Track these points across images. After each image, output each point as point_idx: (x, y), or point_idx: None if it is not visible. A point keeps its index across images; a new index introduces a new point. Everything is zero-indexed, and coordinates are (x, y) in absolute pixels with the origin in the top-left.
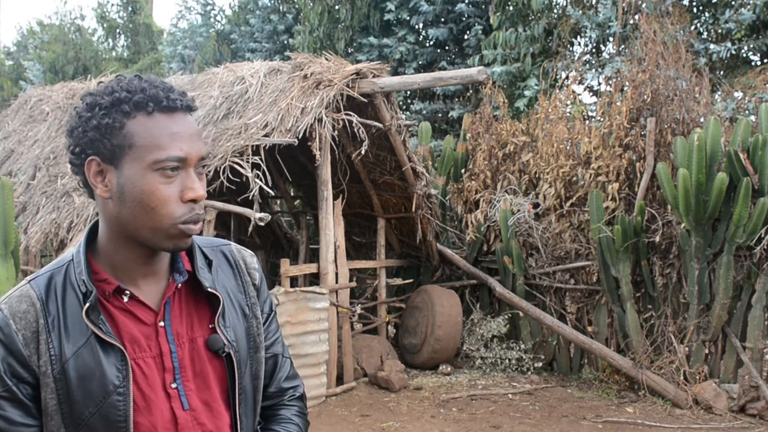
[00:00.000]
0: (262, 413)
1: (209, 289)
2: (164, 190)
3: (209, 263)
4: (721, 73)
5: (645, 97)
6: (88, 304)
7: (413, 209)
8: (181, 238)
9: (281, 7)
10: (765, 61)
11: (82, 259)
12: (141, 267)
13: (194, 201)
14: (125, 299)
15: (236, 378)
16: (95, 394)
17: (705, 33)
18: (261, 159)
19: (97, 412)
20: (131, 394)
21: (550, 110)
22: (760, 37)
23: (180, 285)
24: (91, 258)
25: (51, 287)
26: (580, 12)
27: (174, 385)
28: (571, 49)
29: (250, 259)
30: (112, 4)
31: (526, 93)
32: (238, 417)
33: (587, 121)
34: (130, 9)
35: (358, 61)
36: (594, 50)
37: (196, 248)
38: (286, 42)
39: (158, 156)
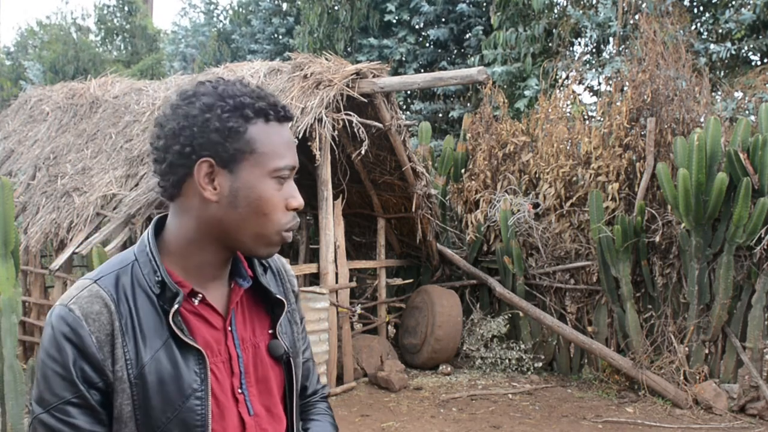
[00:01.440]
0: (300, 409)
1: (278, 297)
2: (277, 196)
3: (265, 269)
4: (721, 73)
5: (645, 97)
6: (176, 306)
7: (413, 209)
8: (277, 245)
9: (282, 7)
10: (765, 61)
11: (156, 260)
12: (214, 270)
13: (296, 209)
14: (196, 302)
15: (294, 383)
16: (174, 398)
17: (705, 33)
18: None
19: (175, 417)
20: (209, 398)
21: (550, 110)
22: (760, 37)
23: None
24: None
25: (119, 288)
26: (581, 12)
27: (240, 390)
28: (571, 49)
29: (288, 266)
30: (109, 6)
31: (527, 93)
32: (294, 420)
33: (587, 121)
34: (126, 10)
35: (358, 62)
36: (594, 50)
37: None
38: (287, 44)
39: (278, 164)
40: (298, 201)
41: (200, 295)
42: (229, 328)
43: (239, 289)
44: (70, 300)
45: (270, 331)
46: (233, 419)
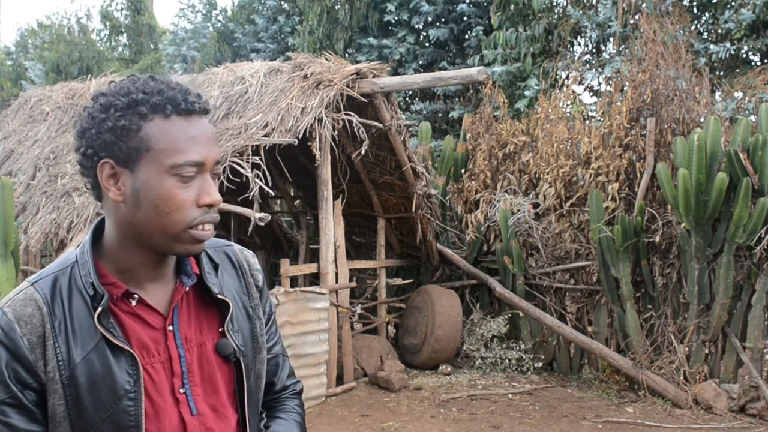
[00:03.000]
0: (266, 405)
1: (219, 296)
2: (181, 194)
3: (215, 267)
4: (721, 73)
5: (645, 97)
6: (100, 309)
7: (413, 209)
8: (194, 243)
9: (286, 6)
10: (765, 61)
11: (89, 262)
12: (149, 271)
13: (209, 206)
14: (133, 303)
15: (244, 381)
16: (105, 399)
17: (705, 33)
18: (261, 159)
19: (107, 417)
20: (143, 399)
21: (550, 110)
22: (760, 37)
23: (188, 289)
24: (97, 260)
25: (56, 290)
26: (581, 12)
27: (182, 390)
28: (571, 49)
29: (252, 260)
30: (117, 4)
31: (527, 93)
32: (246, 419)
33: (587, 121)
34: (133, 8)
35: (358, 62)
36: (594, 50)
37: (202, 252)
38: (290, 43)
39: (176, 160)
40: (212, 197)
41: (136, 296)
42: (170, 328)
43: (182, 288)
44: (5, 303)
45: (220, 330)
46: (172, 419)
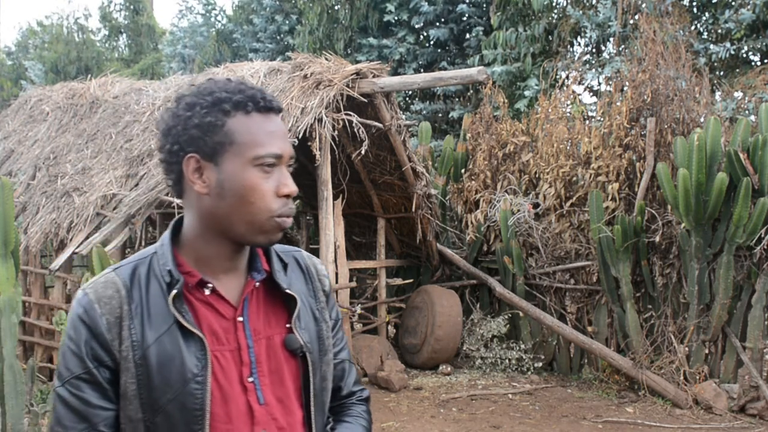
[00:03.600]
0: (333, 410)
1: (287, 291)
2: (263, 184)
3: (284, 266)
4: (721, 73)
5: (645, 97)
6: (175, 291)
7: (413, 209)
8: (274, 232)
9: (284, 7)
10: (765, 61)
11: (167, 251)
12: (225, 262)
13: (288, 196)
14: (207, 292)
15: (311, 378)
16: (174, 381)
17: (705, 33)
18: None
19: (174, 399)
20: (209, 383)
21: (550, 110)
22: (760, 37)
23: (258, 283)
24: (175, 251)
25: (135, 276)
26: (580, 12)
27: (251, 379)
28: (571, 49)
29: (320, 266)
30: (115, 4)
31: (526, 93)
32: (312, 414)
33: (587, 121)
34: (132, 9)
35: (358, 62)
36: (594, 50)
37: (273, 251)
38: (289, 42)
39: (259, 152)
40: (290, 188)
41: (210, 285)
42: (240, 319)
43: (252, 282)
44: (88, 285)
45: (287, 326)
46: (240, 406)
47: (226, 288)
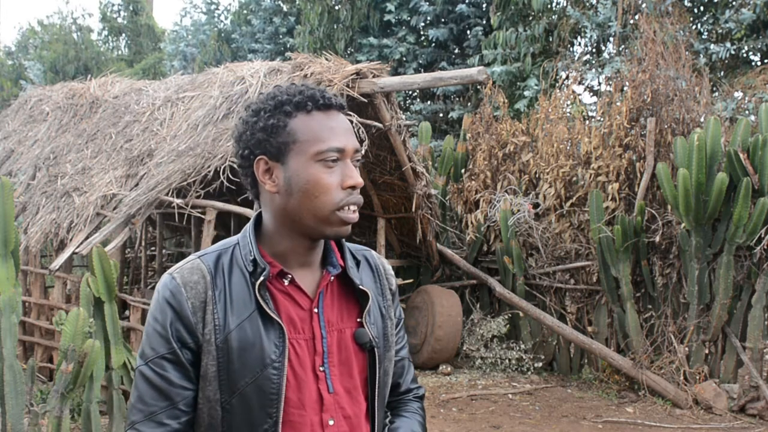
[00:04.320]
0: (390, 405)
1: (360, 287)
2: (326, 178)
3: (357, 263)
4: (721, 73)
5: (645, 97)
6: (261, 278)
7: (413, 209)
8: (341, 225)
9: (283, 8)
10: (765, 61)
11: (251, 242)
12: (300, 257)
13: (353, 188)
14: (286, 282)
15: (377, 371)
16: (253, 365)
17: (705, 33)
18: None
19: (252, 382)
20: (286, 369)
21: (550, 110)
22: (760, 37)
23: (333, 278)
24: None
25: (219, 264)
26: (580, 12)
27: (322, 368)
28: (571, 49)
29: (388, 266)
30: (114, 5)
31: (526, 93)
32: (376, 406)
33: (587, 121)
34: (131, 9)
35: (358, 62)
36: (594, 50)
37: (347, 249)
38: (287, 43)
39: (320, 147)
40: (355, 179)
41: (290, 276)
42: (315, 310)
43: (327, 276)
44: (175, 270)
45: (358, 320)
46: (312, 393)
47: (303, 280)
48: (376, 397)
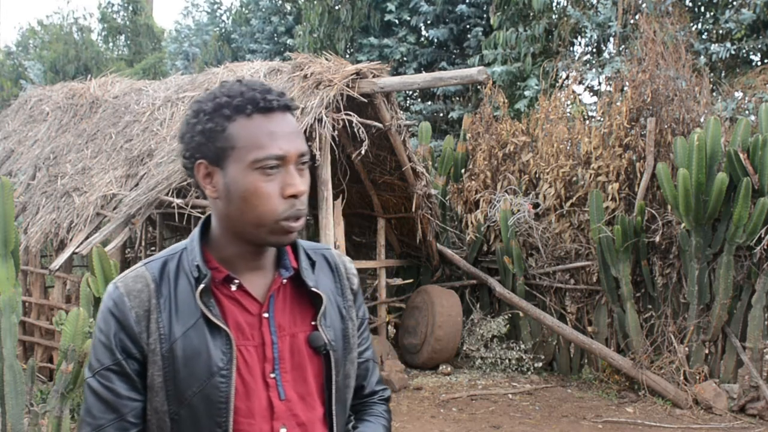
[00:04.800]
0: (355, 408)
1: (313, 289)
2: (265, 187)
3: (312, 264)
4: (721, 73)
5: (645, 97)
6: (203, 286)
7: (413, 209)
8: (283, 234)
9: (283, 7)
10: (765, 61)
11: (196, 248)
12: (248, 261)
13: (294, 197)
14: (233, 288)
15: (333, 376)
16: (200, 374)
17: (705, 33)
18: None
19: (200, 392)
20: (234, 377)
21: (550, 110)
22: (761, 37)
23: (285, 281)
24: (204, 248)
25: (165, 271)
26: (581, 12)
27: (273, 375)
28: (571, 49)
29: (349, 264)
30: (113, 5)
31: (527, 93)
32: (333, 412)
33: (587, 121)
34: (131, 9)
35: (359, 62)
36: (594, 50)
37: (301, 249)
38: (286, 43)
39: (258, 155)
40: (296, 188)
41: (237, 281)
42: (265, 315)
43: (278, 279)
44: (119, 279)
45: (312, 323)
46: (261, 401)
47: (253, 285)
48: (334, 402)
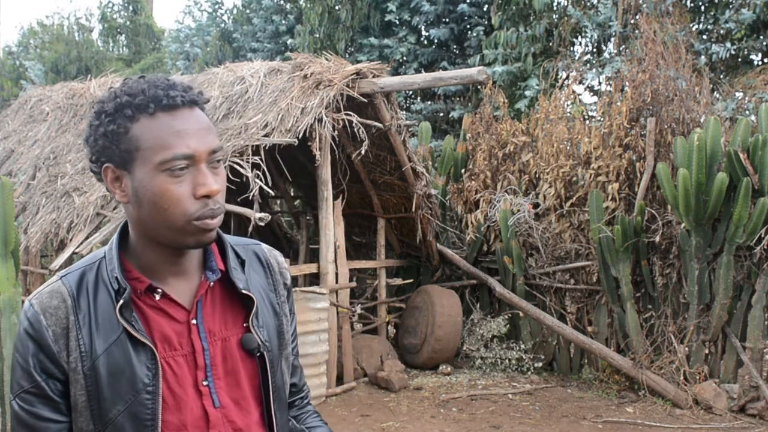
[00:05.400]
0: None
1: (243, 291)
2: (175, 189)
3: (242, 263)
4: (721, 73)
5: (645, 97)
6: (121, 302)
7: (413, 209)
8: (200, 234)
9: (285, 7)
10: (765, 61)
11: (114, 257)
12: (170, 266)
13: (207, 197)
14: (157, 297)
15: (269, 376)
16: (124, 392)
17: (705, 33)
18: (261, 159)
19: (125, 410)
20: (160, 393)
21: (550, 110)
22: (761, 37)
23: (212, 283)
24: (123, 256)
25: (83, 284)
26: (581, 12)
27: (205, 383)
28: (571, 49)
29: (280, 259)
30: (113, 5)
31: (527, 93)
32: (273, 413)
33: (587, 121)
34: (131, 9)
35: (359, 62)
36: (594, 50)
37: (229, 248)
38: (288, 43)
39: (164, 156)
40: (207, 187)
41: (160, 290)
42: (194, 322)
43: (206, 283)
44: (33, 296)
45: (245, 325)
46: (194, 411)
47: (178, 291)
48: (272, 402)
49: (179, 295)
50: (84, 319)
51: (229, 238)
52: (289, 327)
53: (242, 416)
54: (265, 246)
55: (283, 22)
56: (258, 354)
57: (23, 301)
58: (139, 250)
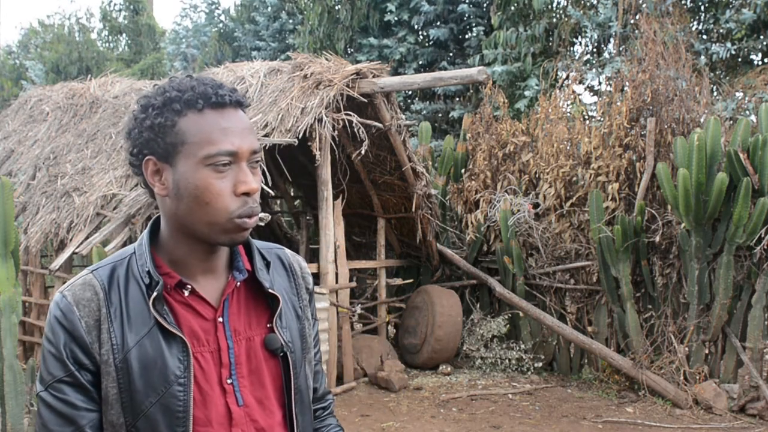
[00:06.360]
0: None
1: (269, 290)
2: (217, 184)
3: (267, 264)
4: (721, 73)
5: (645, 97)
6: (155, 294)
7: (413, 209)
8: (237, 232)
9: (286, 7)
10: (765, 61)
11: (146, 252)
12: (200, 263)
13: (247, 194)
14: (186, 293)
15: (292, 377)
16: (157, 383)
17: (705, 33)
18: (261, 159)
19: (157, 402)
20: (192, 385)
21: (550, 110)
22: (761, 37)
23: (239, 283)
24: (153, 252)
25: (114, 278)
26: (581, 12)
27: (229, 381)
28: (571, 49)
29: (303, 263)
30: (115, 4)
31: (527, 93)
32: (294, 415)
33: (587, 121)
34: (132, 9)
35: (358, 62)
36: (594, 50)
37: (255, 250)
38: (291, 42)
39: (209, 151)
40: (248, 185)
41: (189, 286)
42: (220, 320)
43: (233, 282)
44: (66, 287)
45: (268, 325)
46: (218, 408)
47: (206, 288)
48: (294, 404)
49: (207, 293)
50: (115, 312)
51: (255, 242)
52: (311, 331)
53: (265, 416)
54: (288, 251)
55: (290, 20)
56: (281, 354)
57: (23, 302)
58: (171, 245)
